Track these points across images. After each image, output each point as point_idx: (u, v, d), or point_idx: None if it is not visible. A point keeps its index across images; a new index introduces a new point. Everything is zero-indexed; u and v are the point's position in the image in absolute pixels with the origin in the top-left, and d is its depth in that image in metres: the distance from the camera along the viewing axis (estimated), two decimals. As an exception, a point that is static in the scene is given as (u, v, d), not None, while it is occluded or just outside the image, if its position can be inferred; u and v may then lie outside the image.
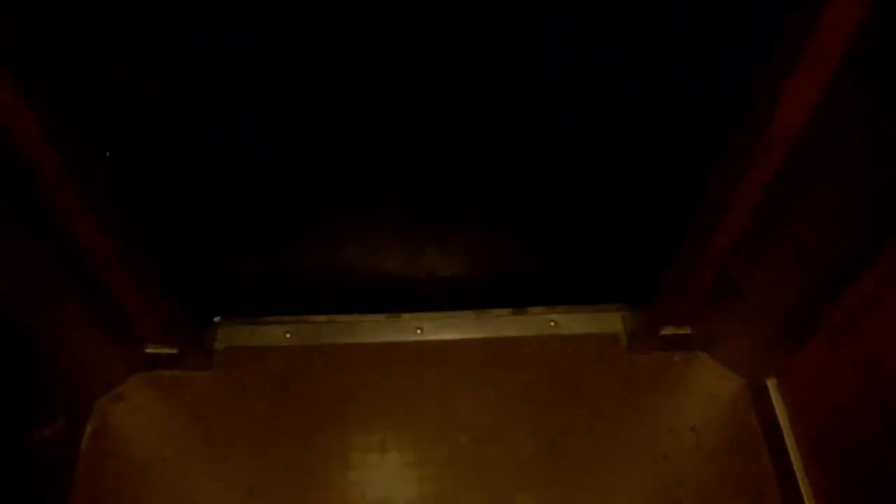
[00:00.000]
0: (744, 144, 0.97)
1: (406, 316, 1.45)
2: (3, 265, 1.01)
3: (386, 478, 1.28)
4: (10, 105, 0.83)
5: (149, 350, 1.35)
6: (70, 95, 0.90)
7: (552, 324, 1.44)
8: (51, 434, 1.21)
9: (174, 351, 1.34)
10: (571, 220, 1.28)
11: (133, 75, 0.92)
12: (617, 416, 1.34)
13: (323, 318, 1.45)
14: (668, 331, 1.37)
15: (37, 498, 1.18)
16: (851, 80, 0.84)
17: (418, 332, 1.44)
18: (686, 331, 1.37)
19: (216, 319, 1.44)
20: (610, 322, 1.44)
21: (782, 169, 0.97)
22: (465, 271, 1.40)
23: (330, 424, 1.33)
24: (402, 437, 1.32)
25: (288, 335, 1.43)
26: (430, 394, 1.37)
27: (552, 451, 1.30)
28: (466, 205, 1.24)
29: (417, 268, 1.38)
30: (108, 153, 0.95)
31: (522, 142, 1.11)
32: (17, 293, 1.07)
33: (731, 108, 0.97)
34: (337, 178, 1.16)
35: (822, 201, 0.99)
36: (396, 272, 1.39)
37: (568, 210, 1.25)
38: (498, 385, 1.38)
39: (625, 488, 1.27)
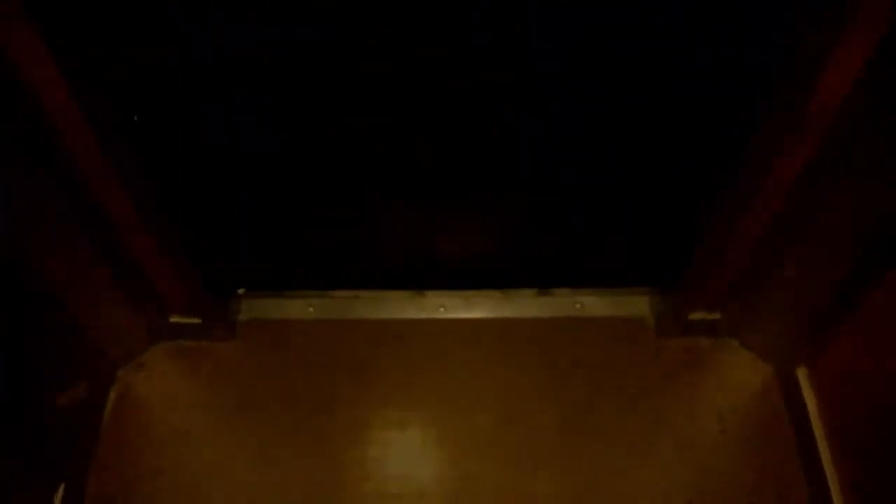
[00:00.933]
0: (779, 123, 0.94)
1: (430, 294, 1.44)
2: (30, 231, 1.01)
3: (405, 455, 1.27)
4: (39, 64, 0.82)
5: (173, 320, 1.35)
6: (98, 58, 0.89)
7: (578, 306, 1.42)
8: (74, 400, 1.22)
9: (197, 321, 1.34)
10: (599, 201, 1.26)
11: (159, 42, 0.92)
12: (642, 400, 1.31)
13: (347, 293, 1.44)
14: (696, 316, 1.34)
15: (59, 463, 1.19)
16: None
17: (442, 310, 1.43)
18: (715, 316, 1.35)
19: (240, 291, 1.44)
20: (637, 305, 1.42)
21: (818, 150, 0.95)
22: (491, 251, 1.39)
23: (351, 400, 1.32)
24: (423, 415, 1.31)
25: (311, 309, 1.43)
26: (451, 373, 1.36)
27: (575, 433, 1.29)
28: (494, 187, 1.23)
29: (443, 247, 1.37)
30: (135, 118, 0.94)
31: (547, 125, 1.10)
32: (42, 259, 1.07)
33: (764, 86, 0.94)
34: (364, 160, 1.16)
35: (859, 187, 0.97)
36: (421, 251, 1.38)
37: (595, 191, 1.23)
38: (521, 366, 1.36)
39: (647, 473, 1.25)
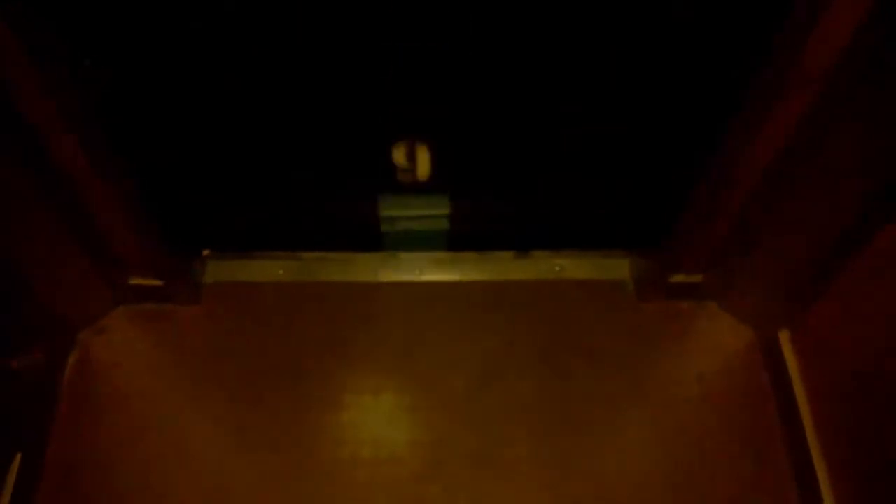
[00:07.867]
0: (771, 79, 0.91)
1: (405, 255, 1.40)
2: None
3: (379, 421, 1.24)
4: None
5: (133, 282, 1.29)
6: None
7: (557, 268, 1.39)
8: (31, 365, 1.16)
9: (159, 283, 1.28)
10: (578, 160, 1.22)
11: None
12: (621, 364, 1.29)
13: (318, 254, 1.39)
14: (677, 279, 1.32)
15: (15, 432, 1.14)
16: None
17: (417, 272, 1.39)
18: (697, 279, 1.32)
19: (205, 252, 1.38)
20: (617, 268, 1.39)
21: (809, 109, 0.91)
22: (468, 212, 1.35)
23: (323, 364, 1.28)
24: (398, 380, 1.28)
25: (281, 271, 1.38)
26: (427, 336, 1.32)
27: (552, 398, 1.26)
28: (470, 145, 1.18)
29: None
30: (87, 61, 0.87)
31: (524, 81, 1.05)
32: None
33: (754, 40, 0.90)
34: (339, 115, 1.10)
35: (847, 149, 0.94)
36: (396, 210, 1.33)
37: (575, 151, 1.19)
38: (498, 329, 1.33)
39: (626, 438, 1.23)
